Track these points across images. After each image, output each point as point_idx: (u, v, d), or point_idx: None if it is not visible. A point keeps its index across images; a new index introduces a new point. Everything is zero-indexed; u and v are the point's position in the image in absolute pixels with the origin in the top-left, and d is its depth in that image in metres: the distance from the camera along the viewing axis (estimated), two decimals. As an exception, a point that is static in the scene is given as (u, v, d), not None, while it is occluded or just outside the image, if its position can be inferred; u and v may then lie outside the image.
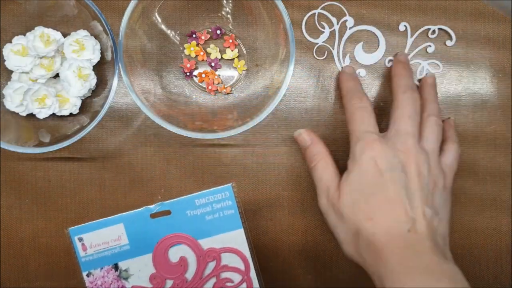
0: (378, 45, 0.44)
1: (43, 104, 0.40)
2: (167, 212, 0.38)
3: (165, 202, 0.39)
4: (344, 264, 0.44)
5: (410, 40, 0.43)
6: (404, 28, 0.43)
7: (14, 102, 0.40)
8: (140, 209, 0.39)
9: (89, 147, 0.44)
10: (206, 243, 0.39)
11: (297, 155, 0.44)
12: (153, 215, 0.38)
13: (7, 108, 0.41)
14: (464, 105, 0.44)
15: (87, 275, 0.37)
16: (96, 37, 0.41)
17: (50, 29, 0.40)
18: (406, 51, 0.43)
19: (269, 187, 0.44)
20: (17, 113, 0.41)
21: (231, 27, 0.43)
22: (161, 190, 0.44)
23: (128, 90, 0.37)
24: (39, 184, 0.44)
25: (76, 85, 0.40)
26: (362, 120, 0.37)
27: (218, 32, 0.43)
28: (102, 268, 0.37)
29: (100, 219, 0.38)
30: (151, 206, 0.39)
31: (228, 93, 0.44)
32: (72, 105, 0.41)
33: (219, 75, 0.44)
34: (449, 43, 0.43)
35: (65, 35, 0.41)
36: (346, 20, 0.43)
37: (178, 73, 0.44)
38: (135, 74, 0.38)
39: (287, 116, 0.44)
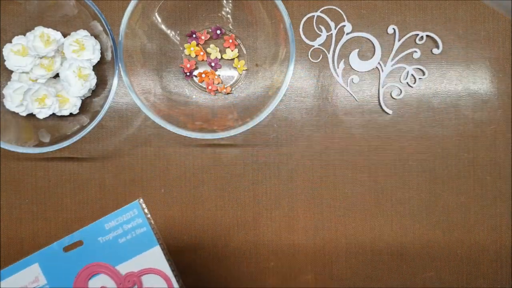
0: (374, 53, 0.44)
1: (43, 104, 0.40)
2: (80, 243, 0.36)
3: (74, 233, 0.37)
4: (344, 264, 0.44)
5: (397, 44, 0.43)
6: (392, 31, 0.43)
7: (14, 102, 0.40)
8: (50, 245, 0.37)
9: (89, 147, 0.44)
10: (124, 268, 0.37)
11: (297, 155, 0.44)
12: (66, 248, 0.36)
13: (7, 108, 0.41)
14: (464, 105, 0.44)
15: None
16: (96, 37, 0.41)
17: (50, 29, 0.40)
18: (392, 54, 0.43)
19: (269, 187, 0.44)
20: (17, 113, 0.41)
21: (231, 27, 0.43)
22: (161, 190, 0.44)
23: (128, 90, 0.37)
24: (39, 184, 0.44)
25: (76, 85, 0.40)
26: None
27: (218, 32, 0.43)
28: None
29: (12, 264, 0.36)
30: (62, 239, 0.37)
31: (228, 93, 0.44)
32: (72, 105, 0.41)
33: (219, 75, 0.44)
34: (435, 51, 0.43)
35: (65, 35, 0.41)
36: (344, 26, 0.43)
37: (178, 73, 0.44)
38: (135, 74, 0.38)
39: (287, 116, 0.44)
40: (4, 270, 0.35)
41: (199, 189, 0.44)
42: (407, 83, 0.44)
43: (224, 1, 0.42)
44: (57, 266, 0.36)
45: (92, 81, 0.41)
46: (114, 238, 0.37)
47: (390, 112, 0.44)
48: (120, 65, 0.37)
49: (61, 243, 0.36)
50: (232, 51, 0.43)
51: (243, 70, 0.44)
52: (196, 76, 0.44)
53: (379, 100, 0.44)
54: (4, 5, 0.40)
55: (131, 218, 0.37)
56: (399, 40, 0.44)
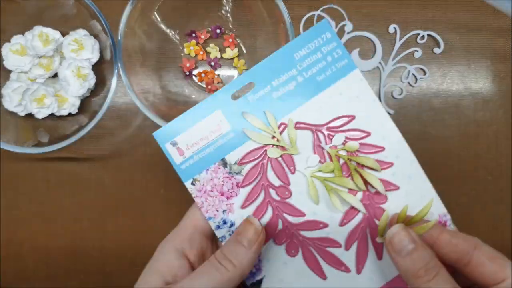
0: (375, 52, 0.43)
1: (42, 104, 0.40)
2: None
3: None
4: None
5: (398, 43, 0.43)
6: (393, 30, 0.43)
7: (13, 101, 0.40)
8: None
9: (88, 147, 0.44)
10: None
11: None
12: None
13: (6, 108, 0.41)
14: (466, 104, 0.44)
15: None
16: (95, 36, 0.41)
17: (49, 29, 0.40)
18: (393, 54, 0.43)
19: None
20: (16, 113, 0.41)
21: (231, 26, 0.43)
22: (161, 190, 0.44)
23: (127, 90, 0.37)
24: (38, 184, 0.44)
25: (75, 85, 0.40)
26: None
27: (218, 31, 0.43)
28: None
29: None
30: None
31: (228, 93, 0.44)
32: (71, 105, 0.41)
33: (218, 74, 0.44)
34: (437, 50, 0.43)
35: (64, 34, 0.41)
36: (345, 25, 0.43)
37: (178, 73, 0.44)
38: (134, 74, 0.38)
39: (287, 116, 0.44)
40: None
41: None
42: (408, 82, 0.44)
43: (224, 0, 0.42)
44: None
45: (91, 80, 0.41)
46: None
47: (391, 111, 0.44)
48: (119, 64, 0.37)
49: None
50: (232, 50, 0.43)
51: (243, 69, 0.44)
52: (195, 76, 0.44)
53: (380, 99, 0.44)
54: (3, 5, 0.40)
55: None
56: (400, 40, 0.43)
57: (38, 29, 0.40)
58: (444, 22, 0.43)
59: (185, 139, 0.29)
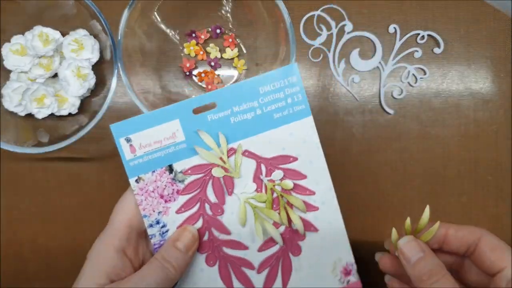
0: (375, 52, 0.43)
1: (42, 104, 0.40)
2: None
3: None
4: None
5: (398, 43, 0.43)
6: (393, 30, 0.43)
7: (13, 101, 0.40)
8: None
9: (88, 147, 0.44)
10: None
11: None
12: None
13: (6, 108, 0.40)
14: (466, 104, 0.44)
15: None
16: (95, 36, 0.41)
17: (49, 29, 0.40)
18: (393, 54, 0.43)
19: (269, 187, 0.44)
20: (16, 113, 0.41)
21: (231, 26, 0.43)
22: (161, 190, 0.44)
23: (127, 90, 0.37)
24: (38, 184, 0.44)
25: (75, 85, 0.40)
26: None
27: (218, 31, 0.43)
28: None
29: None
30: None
31: (228, 93, 0.44)
32: (71, 105, 0.41)
33: (219, 74, 0.44)
34: (437, 50, 0.43)
35: (64, 34, 0.41)
36: (345, 25, 0.43)
37: (178, 73, 0.44)
38: (134, 74, 0.38)
39: (287, 116, 0.44)
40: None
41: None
42: (408, 82, 0.44)
43: (224, 0, 0.42)
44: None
45: (91, 80, 0.41)
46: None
47: (391, 112, 0.44)
48: (119, 64, 0.37)
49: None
50: (232, 50, 0.43)
51: (243, 69, 0.44)
52: (195, 76, 0.44)
53: (380, 99, 0.44)
54: (3, 5, 0.40)
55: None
56: (400, 40, 0.43)
57: (38, 29, 0.40)
58: (444, 22, 0.43)
59: (140, 139, 0.31)
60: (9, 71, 0.42)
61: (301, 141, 0.32)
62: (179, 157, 0.31)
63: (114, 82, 0.38)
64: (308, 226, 0.32)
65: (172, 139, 0.31)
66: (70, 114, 0.42)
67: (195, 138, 0.31)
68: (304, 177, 0.32)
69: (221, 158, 0.31)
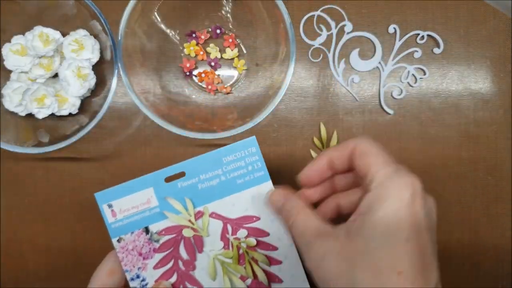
0: (374, 53, 0.44)
1: (42, 104, 0.40)
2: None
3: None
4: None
5: (398, 44, 0.43)
6: (393, 31, 0.43)
7: (13, 102, 0.40)
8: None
9: (88, 147, 0.44)
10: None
11: (297, 155, 0.44)
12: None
13: (6, 108, 0.41)
14: (465, 104, 0.44)
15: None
16: (96, 36, 0.41)
17: (49, 29, 0.40)
18: (393, 54, 0.43)
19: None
20: (16, 113, 0.41)
21: (231, 26, 0.43)
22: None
23: (127, 90, 0.37)
24: (38, 184, 0.44)
25: (75, 85, 0.40)
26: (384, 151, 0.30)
27: (218, 31, 0.43)
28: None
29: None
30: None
31: (228, 93, 0.44)
32: (71, 105, 0.41)
33: (219, 74, 0.44)
34: (436, 50, 0.43)
35: (64, 34, 0.41)
36: (344, 25, 0.43)
37: (178, 73, 0.44)
38: (134, 74, 0.38)
39: (287, 116, 0.44)
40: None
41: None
42: (408, 82, 0.44)
43: (224, 1, 0.42)
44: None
45: (91, 81, 0.41)
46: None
47: (391, 112, 0.44)
48: (119, 64, 0.37)
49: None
50: (232, 50, 0.43)
51: (243, 69, 0.44)
52: (195, 76, 0.44)
53: (379, 100, 0.44)
54: (3, 5, 0.40)
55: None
56: (400, 40, 0.43)
57: (38, 29, 0.40)
58: (443, 22, 0.43)
59: (120, 204, 0.35)
60: (10, 71, 0.42)
61: (262, 203, 0.36)
62: (154, 220, 0.36)
63: (114, 82, 0.38)
64: (273, 277, 0.36)
65: (147, 204, 0.36)
66: (70, 114, 0.42)
67: (166, 203, 0.36)
68: (266, 234, 0.36)
69: (189, 220, 0.36)
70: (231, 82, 0.44)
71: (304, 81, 0.44)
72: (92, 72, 0.41)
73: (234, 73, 0.44)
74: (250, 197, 0.36)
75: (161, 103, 0.40)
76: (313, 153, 0.43)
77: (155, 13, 0.40)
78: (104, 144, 0.44)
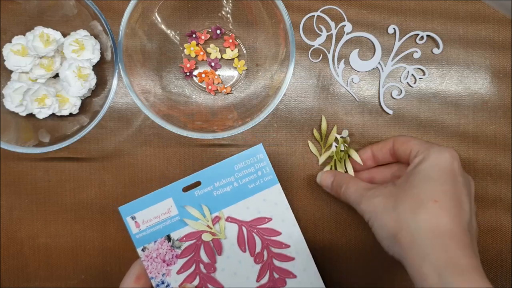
0: (374, 53, 0.44)
1: (43, 104, 0.40)
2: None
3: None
4: (347, 264, 0.44)
5: (397, 44, 0.43)
6: (393, 31, 0.43)
7: (14, 102, 0.40)
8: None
9: (89, 147, 0.44)
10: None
11: (297, 155, 0.44)
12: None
13: (7, 108, 0.41)
14: (465, 105, 0.44)
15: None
16: (96, 37, 0.41)
17: (49, 29, 0.40)
18: (392, 54, 0.43)
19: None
20: (17, 113, 0.41)
21: (231, 27, 0.43)
22: (161, 190, 0.44)
23: (128, 90, 0.37)
24: (38, 184, 0.44)
25: (76, 85, 0.40)
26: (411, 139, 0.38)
27: (218, 32, 0.43)
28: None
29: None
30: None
31: (228, 93, 0.44)
32: (71, 105, 0.41)
33: (219, 75, 0.44)
34: (436, 51, 0.43)
35: (64, 35, 0.41)
36: (344, 25, 0.43)
37: (178, 73, 0.44)
38: (135, 74, 0.38)
39: (287, 116, 0.44)
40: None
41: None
42: (407, 83, 0.44)
43: (224, 1, 0.42)
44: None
45: (92, 81, 0.41)
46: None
47: (390, 112, 0.44)
48: (120, 65, 0.37)
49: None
50: (232, 51, 0.43)
51: (243, 70, 0.44)
52: (196, 76, 0.44)
53: (379, 100, 0.44)
54: (4, 5, 0.40)
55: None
56: (399, 40, 0.44)
57: (39, 30, 0.40)
58: (443, 22, 0.44)
59: (142, 216, 0.38)
60: (10, 72, 0.42)
61: (273, 204, 0.39)
62: (175, 228, 0.38)
63: (115, 83, 0.38)
64: (287, 273, 0.39)
65: (168, 214, 0.38)
66: (71, 114, 0.42)
67: (185, 211, 0.38)
68: (278, 233, 0.39)
69: (208, 226, 0.38)
70: (231, 82, 0.44)
71: (304, 81, 0.44)
72: (93, 72, 0.41)
73: (234, 73, 0.44)
74: (262, 200, 0.39)
75: (161, 103, 0.40)
76: (311, 145, 0.44)
77: (156, 14, 0.40)
78: (104, 144, 0.44)
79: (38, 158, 0.44)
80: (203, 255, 0.39)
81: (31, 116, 0.41)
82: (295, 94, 0.44)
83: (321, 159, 0.43)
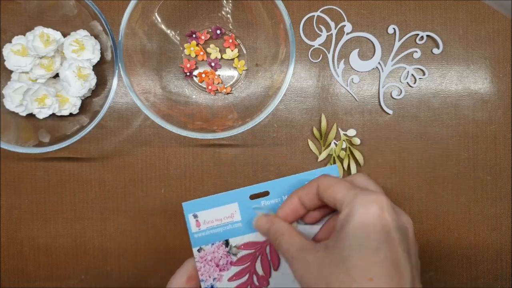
0: (374, 53, 0.44)
1: (43, 104, 0.40)
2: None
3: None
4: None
5: (397, 44, 0.43)
6: (393, 31, 0.43)
7: (14, 102, 0.40)
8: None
9: (89, 147, 0.44)
10: None
11: (297, 155, 0.44)
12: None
13: (7, 108, 0.41)
14: (465, 105, 0.44)
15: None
16: (96, 37, 0.41)
17: (49, 29, 0.40)
18: (392, 54, 0.44)
19: (269, 187, 0.44)
20: (17, 113, 0.41)
21: (231, 27, 0.43)
22: (161, 190, 0.44)
23: (128, 90, 0.37)
24: (39, 184, 0.44)
25: (76, 85, 0.40)
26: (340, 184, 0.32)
27: (218, 32, 0.43)
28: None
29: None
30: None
31: (228, 93, 0.44)
32: (72, 105, 0.41)
33: (219, 75, 0.44)
34: (436, 51, 0.43)
35: (65, 35, 0.41)
36: (344, 25, 0.43)
37: (178, 73, 0.44)
38: (135, 74, 0.38)
39: (287, 116, 0.44)
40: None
41: (199, 189, 0.44)
42: (407, 83, 0.44)
43: (224, 1, 0.42)
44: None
45: (92, 81, 0.41)
46: None
47: (390, 112, 0.44)
48: (120, 65, 0.37)
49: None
50: (232, 51, 0.43)
51: (243, 70, 0.44)
52: (196, 76, 0.44)
53: (379, 100, 0.44)
54: (4, 5, 0.40)
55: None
56: (399, 40, 0.44)
57: (39, 30, 0.40)
58: (443, 23, 0.44)
59: (204, 216, 0.37)
60: (10, 72, 0.42)
61: None
62: (235, 234, 0.37)
63: (115, 83, 0.38)
64: None
65: (231, 218, 0.37)
66: (71, 114, 0.42)
67: (249, 219, 0.37)
68: None
69: None
70: (231, 83, 0.44)
71: (304, 81, 0.44)
72: (93, 73, 0.41)
73: (234, 74, 0.44)
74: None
75: (161, 103, 0.40)
76: (311, 144, 0.44)
77: (156, 14, 0.40)
78: (104, 144, 0.44)
79: (38, 158, 0.44)
80: (259, 267, 0.37)
81: (31, 116, 0.41)
82: (295, 94, 0.44)
83: (321, 157, 0.43)
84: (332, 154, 0.43)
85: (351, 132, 0.43)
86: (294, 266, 0.32)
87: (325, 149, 0.43)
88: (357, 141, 0.44)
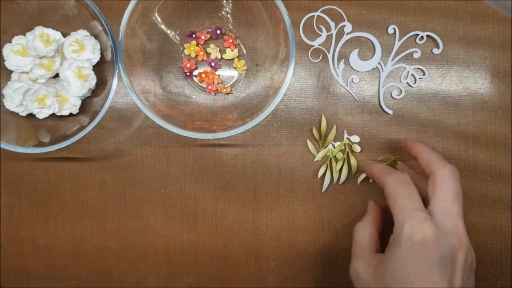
0: (374, 53, 0.44)
1: (43, 104, 0.40)
2: None
3: None
4: (345, 264, 0.44)
5: (397, 44, 0.43)
6: (393, 31, 0.43)
7: (14, 102, 0.40)
8: None
9: (89, 147, 0.44)
10: None
11: (297, 155, 0.44)
12: None
13: (7, 108, 0.41)
14: (465, 105, 0.44)
15: None
16: (96, 37, 0.41)
17: (49, 29, 0.40)
18: (392, 54, 0.44)
19: (269, 187, 0.44)
20: (17, 113, 0.41)
21: (231, 27, 0.43)
22: (161, 190, 0.44)
23: (128, 90, 0.37)
24: (39, 184, 0.44)
25: (76, 85, 0.40)
26: (410, 196, 0.35)
27: (218, 32, 0.43)
28: None
29: None
30: None
31: (228, 93, 0.44)
32: (72, 105, 0.41)
33: (219, 75, 0.44)
34: (436, 51, 0.43)
35: (65, 35, 0.41)
36: (344, 25, 0.43)
37: (178, 73, 0.44)
38: (135, 74, 0.38)
39: (287, 116, 0.44)
40: None
41: (199, 189, 0.44)
42: (407, 83, 0.44)
43: (224, 1, 0.42)
44: None
45: (92, 81, 0.41)
46: None
47: (390, 112, 0.44)
48: (120, 65, 0.37)
49: None
50: (232, 51, 0.43)
51: (243, 70, 0.44)
52: (196, 76, 0.44)
53: (379, 100, 0.44)
54: (4, 5, 0.40)
55: None
56: (399, 40, 0.44)
57: (39, 30, 0.40)
58: (443, 22, 0.44)
59: None
60: (10, 72, 0.42)
61: None
62: None
63: (115, 83, 0.38)
64: None
65: None
66: (71, 114, 0.42)
67: None
68: None
69: None
70: (231, 83, 0.44)
71: (304, 81, 0.44)
72: (93, 73, 0.41)
73: (234, 74, 0.44)
74: None
75: (161, 103, 0.40)
76: (310, 144, 0.44)
77: (156, 14, 0.40)
78: (104, 144, 0.44)
79: (38, 158, 0.44)
80: None
81: (31, 116, 0.41)
82: (295, 94, 0.44)
83: (317, 157, 0.43)
84: (329, 155, 0.43)
85: (355, 138, 0.43)
86: (355, 262, 0.38)
87: (322, 150, 0.43)
88: (357, 148, 0.44)
